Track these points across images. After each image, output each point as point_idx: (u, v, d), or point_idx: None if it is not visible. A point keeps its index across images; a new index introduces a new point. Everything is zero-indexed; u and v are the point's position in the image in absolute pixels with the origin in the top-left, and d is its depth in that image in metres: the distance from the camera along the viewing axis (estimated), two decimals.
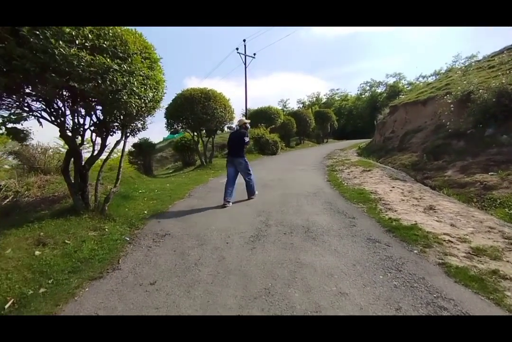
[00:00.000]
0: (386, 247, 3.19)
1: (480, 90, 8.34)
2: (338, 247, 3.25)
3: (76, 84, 2.99)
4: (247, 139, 5.63)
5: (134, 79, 3.49)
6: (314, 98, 50.75)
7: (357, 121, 41.11)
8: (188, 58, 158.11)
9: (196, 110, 10.00)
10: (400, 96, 37.40)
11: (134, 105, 3.55)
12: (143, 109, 3.90)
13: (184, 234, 3.87)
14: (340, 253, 3.09)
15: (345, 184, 6.82)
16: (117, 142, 4.49)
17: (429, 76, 36.45)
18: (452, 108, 8.82)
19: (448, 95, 9.31)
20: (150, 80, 3.83)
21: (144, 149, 10.12)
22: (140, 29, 3.84)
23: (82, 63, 3.00)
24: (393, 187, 6.26)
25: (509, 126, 7.41)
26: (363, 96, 44.30)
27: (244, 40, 19.64)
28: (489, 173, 5.97)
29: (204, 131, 11.36)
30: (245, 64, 20.35)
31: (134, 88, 3.47)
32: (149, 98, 3.88)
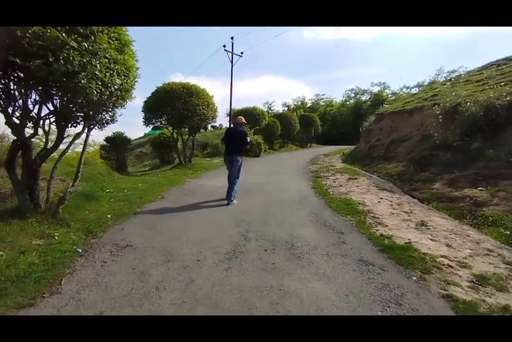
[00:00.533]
0: (381, 272, 2.79)
1: (468, 103, 8.26)
2: (327, 270, 2.80)
3: (18, 60, 2.38)
4: (249, 139, 5.49)
5: (97, 62, 2.91)
6: (300, 102, 50.93)
7: (340, 127, 41.45)
8: (177, 54, 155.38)
9: (177, 106, 9.37)
10: (384, 105, 38.10)
11: (95, 92, 2.96)
12: (107, 98, 3.31)
13: (149, 246, 3.31)
14: (330, 278, 2.65)
15: (331, 192, 6.46)
16: (77, 135, 3.85)
17: (413, 88, 37.46)
18: (441, 120, 8.70)
19: (436, 106, 9.21)
20: (118, 64, 3.26)
21: (118, 144, 9.34)
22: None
23: (28, 35, 2.40)
24: (381, 198, 5.95)
25: (496, 140, 7.33)
26: (348, 103, 44.83)
27: (232, 38, 19.14)
28: (478, 188, 5.77)
29: (185, 128, 10.74)
30: (231, 62, 19.86)
31: (96, 72, 2.89)
32: (116, 86, 3.31)
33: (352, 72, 77.47)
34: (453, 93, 9.02)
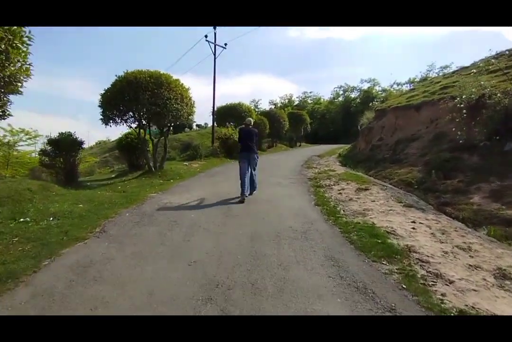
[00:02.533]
0: None
1: (498, 95, 6.79)
2: None
3: None
4: (257, 137, 6.21)
5: None
6: (287, 100, 49.30)
7: (329, 125, 40.14)
8: (158, 51, 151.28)
9: (142, 99, 7.49)
10: (375, 102, 37.05)
11: None
12: None
13: None
14: None
15: (342, 212, 4.79)
16: None
17: (404, 84, 36.40)
18: (465, 115, 7.18)
19: (456, 99, 7.67)
20: None
21: (64, 147, 7.32)
22: None
23: None
24: (414, 222, 4.31)
25: None
26: (336, 100, 43.55)
27: (215, 27, 17.25)
28: None
29: (161, 128, 8.86)
30: (214, 54, 18.00)
31: None
32: None
33: (338, 71, 76.39)
34: (478, 83, 7.50)
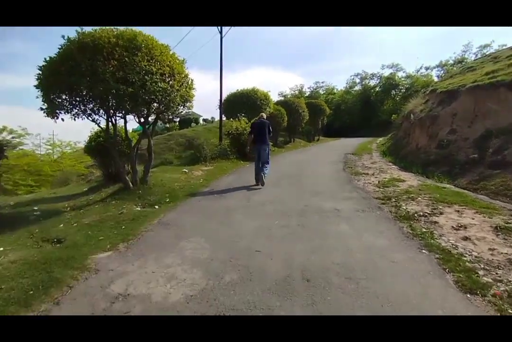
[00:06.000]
0: None
1: None
2: None
3: None
4: (271, 129, 6.50)
5: None
6: (297, 91, 45.64)
7: (345, 117, 36.56)
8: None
9: (103, 73, 4.47)
10: (397, 90, 33.34)
11: None
12: None
13: None
14: None
15: None
16: None
17: (434, 68, 32.33)
18: None
19: None
20: None
21: None
22: None
23: None
24: None
25: None
26: (353, 90, 39.78)
27: None
28: None
29: (139, 120, 5.84)
30: (220, 33, 14.88)
31: None
32: None
33: (347, 62, 71.66)
34: None
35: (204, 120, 35.12)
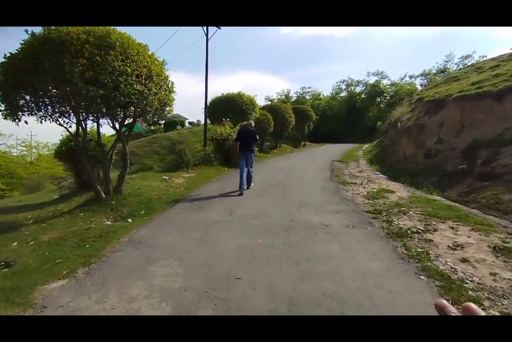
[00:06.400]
0: None
1: None
2: None
3: None
4: (257, 137, 6.61)
5: None
6: (284, 96, 45.69)
7: (331, 123, 36.75)
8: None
9: (70, 72, 4.02)
10: (381, 97, 33.76)
11: None
12: None
13: None
14: None
15: None
16: None
17: (418, 76, 32.98)
18: None
19: None
20: None
21: None
22: None
23: None
24: None
25: None
26: (339, 96, 40.14)
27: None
28: None
29: (112, 123, 5.37)
30: (206, 35, 14.54)
31: None
32: None
33: (332, 67, 73.20)
34: None
35: (190, 123, 34.60)
